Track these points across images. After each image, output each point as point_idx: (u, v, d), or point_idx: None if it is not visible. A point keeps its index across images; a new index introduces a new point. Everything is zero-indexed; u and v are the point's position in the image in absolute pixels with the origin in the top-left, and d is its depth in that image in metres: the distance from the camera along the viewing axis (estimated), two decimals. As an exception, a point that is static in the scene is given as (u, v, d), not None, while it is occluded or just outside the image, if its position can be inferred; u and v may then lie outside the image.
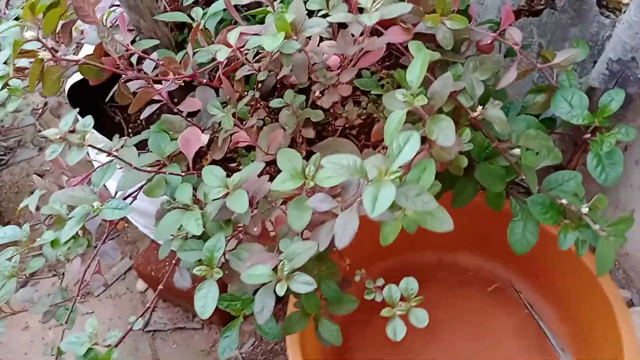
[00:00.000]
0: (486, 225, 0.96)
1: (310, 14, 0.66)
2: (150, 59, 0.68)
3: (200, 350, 1.12)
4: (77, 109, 0.57)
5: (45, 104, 1.02)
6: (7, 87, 0.78)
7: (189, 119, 0.79)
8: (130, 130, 0.97)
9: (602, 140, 0.75)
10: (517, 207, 0.83)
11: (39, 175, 1.47)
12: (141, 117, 0.72)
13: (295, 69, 0.64)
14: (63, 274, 0.94)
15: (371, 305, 0.71)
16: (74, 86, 0.94)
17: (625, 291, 1.09)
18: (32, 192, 1.41)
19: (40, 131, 1.52)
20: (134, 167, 0.61)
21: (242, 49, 0.66)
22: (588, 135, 0.78)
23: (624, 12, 0.78)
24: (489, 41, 0.73)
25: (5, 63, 0.62)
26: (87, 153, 0.92)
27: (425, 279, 1.11)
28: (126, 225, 1.32)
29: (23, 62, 0.72)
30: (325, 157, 0.53)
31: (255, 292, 0.72)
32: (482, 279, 1.11)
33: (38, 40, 0.54)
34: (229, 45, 0.64)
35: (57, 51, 0.59)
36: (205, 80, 0.75)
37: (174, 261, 0.71)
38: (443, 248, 1.13)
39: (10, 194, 1.43)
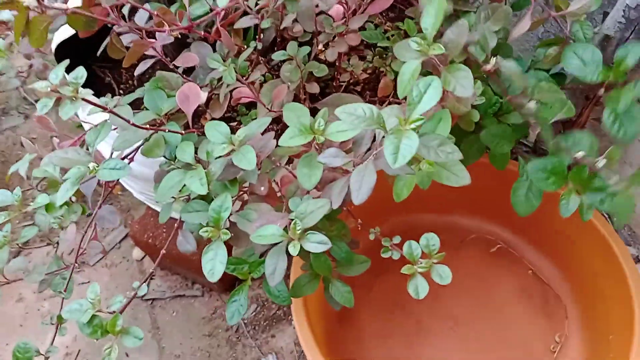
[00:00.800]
0: (487, 185, 0.93)
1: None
2: (144, 9, 0.63)
3: (200, 317, 1.10)
4: (67, 61, 0.53)
5: (30, 66, 0.97)
6: (-11, 44, 0.73)
7: (185, 76, 0.75)
8: (121, 91, 0.92)
9: (618, 97, 0.71)
10: (522, 166, 0.81)
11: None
12: (135, 73, 0.67)
13: (300, 17, 0.60)
14: (57, 242, 0.91)
15: (372, 268, 0.69)
16: (60, 46, 0.89)
17: (631, 248, 1.08)
18: (19, 161, 1.37)
19: (25, 98, 1.46)
20: (132, 124, 0.57)
21: (242, -3, 0.61)
22: (602, 92, 0.75)
23: None
24: (503, -14, 0.69)
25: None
26: (77, 115, 0.88)
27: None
28: (120, 192, 1.28)
29: (5, 14, 0.67)
30: (338, 107, 0.50)
31: (262, 255, 0.69)
32: (484, 241, 1.10)
33: (22, -15, 0.49)
34: (228, -8, 0.59)
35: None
36: (202, 33, 0.70)
37: (176, 224, 0.68)
38: (443, 209, 1.10)
39: (-3, 163, 1.38)
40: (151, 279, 1.16)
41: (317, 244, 0.54)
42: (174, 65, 0.71)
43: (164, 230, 1.06)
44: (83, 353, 1.07)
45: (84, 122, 0.82)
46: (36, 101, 1.48)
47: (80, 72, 0.51)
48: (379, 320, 1.02)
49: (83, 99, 0.48)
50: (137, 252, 1.20)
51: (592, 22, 0.99)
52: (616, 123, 0.72)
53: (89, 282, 1.17)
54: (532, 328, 1.01)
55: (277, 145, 0.61)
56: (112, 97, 0.76)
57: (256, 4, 0.67)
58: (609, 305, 0.93)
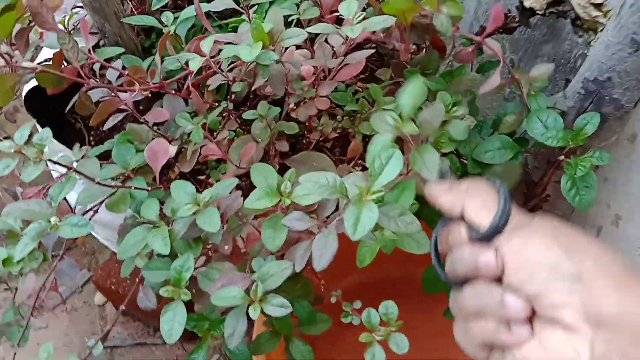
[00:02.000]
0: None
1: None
2: (114, 69, 0.64)
3: (161, 367, 1.08)
4: (34, 121, 0.53)
5: (0, 108, 0.96)
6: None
7: (156, 128, 0.75)
8: (92, 139, 0.92)
9: (576, 164, 0.74)
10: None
11: (-9, 182, 1.39)
12: (104, 127, 0.67)
13: (271, 81, 0.61)
14: (16, 288, 0.89)
15: (336, 322, 0.69)
16: (31, 91, 0.89)
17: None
18: (-17, 200, 1.34)
19: (-7, 135, 1.44)
20: (97, 182, 0.57)
21: (214, 59, 0.62)
22: (562, 158, 0.78)
23: (601, 30, 0.78)
24: (470, 50, 0.72)
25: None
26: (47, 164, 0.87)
27: (389, 292, 1.11)
28: (84, 238, 1.26)
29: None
30: (303, 174, 0.51)
31: (224, 312, 0.69)
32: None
33: (-8, 44, 0.50)
34: (201, 54, 0.60)
35: (12, 57, 0.55)
36: (173, 90, 0.71)
37: (137, 279, 0.67)
38: (409, 262, 1.11)
39: (-41, 201, 1.35)
40: (113, 326, 1.13)
41: (278, 307, 0.54)
42: (144, 118, 0.72)
43: (128, 277, 1.04)
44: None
45: (52, 169, 0.82)
46: (5, 138, 1.46)
47: (46, 134, 0.51)
48: None
49: (49, 160, 0.48)
50: (99, 297, 1.17)
51: (554, 88, 1.03)
52: (573, 190, 0.74)
53: (47, 326, 1.13)
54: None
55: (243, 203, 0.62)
56: (82, 145, 0.76)
57: (230, 64, 0.68)
58: None
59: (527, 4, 0.87)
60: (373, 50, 0.61)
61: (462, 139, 0.70)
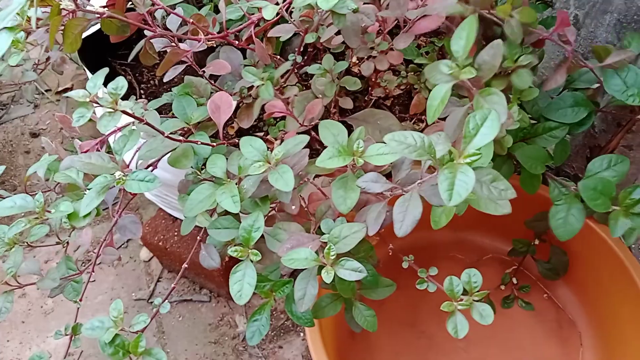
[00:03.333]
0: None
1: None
2: (178, 15, 0.61)
3: (207, 323, 1.08)
4: (106, 70, 0.51)
5: (47, 59, 0.94)
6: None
7: (212, 82, 0.73)
8: (142, 92, 0.90)
9: None
10: (556, 191, 0.79)
11: (34, 134, 1.39)
12: (164, 79, 0.65)
13: (345, 32, 0.57)
14: (67, 242, 0.88)
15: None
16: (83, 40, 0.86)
17: (650, 277, 1.06)
18: (27, 152, 1.34)
19: (36, 88, 1.43)
20: (166, 136, 0.54)
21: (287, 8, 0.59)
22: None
23: None
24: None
25: (18, 13, 0.54)
26: (94, 112, 0.86)
27: (442, 256, 1.08)
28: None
29: (32, 12, 0.64)
30: (368, 130, 0.48)
31: (286, 274, 0.67)
32: (500, 261, 1.08)
33: (59, -14, 0.47)
34: (272, 1, 0.57)
35: (77, 1, 0.52)
36: (233, 41, 0.68)
37: (199, 237, 0.66)
38: (460, 227, 1.08)
39: (4, 152, 1.35)
40: (158, 281, 1.14)
41: (352, 271, 0.52)
42: (202, 71, 0.69)
43: (176, 233, 1.04)
44: (85, 355, 1.05)
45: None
46: (47, 91, 1.46)
47: (121, 83, 0.48)
48: (391, 337, 1.00)
49: (122, 112, 0.46)
50: (145, 253, 1.17)
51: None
52: None
53: (94, 280, 1.14)
54: (545, 353, 0.99)
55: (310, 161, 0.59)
56: (136, 99, 0.73)
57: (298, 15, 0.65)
58: (626, 333, 0.91)
59: None
60: (455, 0, 0.57)
61: (525, 87, 0.66)
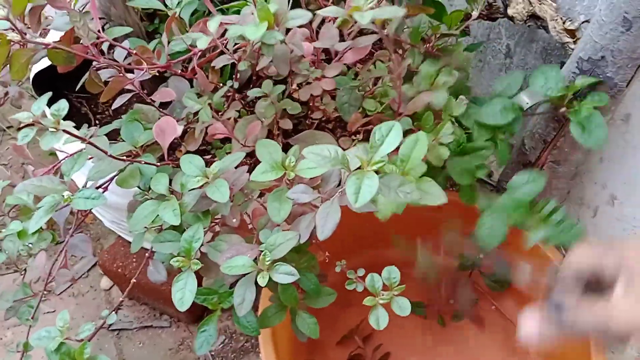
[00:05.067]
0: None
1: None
2: (122, 47, 0.66)
3: (167, 349, 1.10)
4: (50, 94, 0.55)
5: (6, 94, 0.98)
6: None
7: (162, 109, 0.77)
8: (97, 122, 0.94)
9: (580, 108, 0.76)
10: (485, 202, 0.85)
11: (-5, 169, 1.41)
12: (112, 107, 0.69)
13: (276, 60, 0.63)
14: (25, 269, 0.90)
15: (340, 300, 0.71)
16: (38, 75, 0.90)
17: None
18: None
19: (-3, 123, 1.46)
20: (110, 155, 0.59)
21: (220, 39, 0.64)
22: (564, 109, 0.79)
23: (574, 41, 0.81)
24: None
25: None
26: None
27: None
28: (90, 222, 1.27)
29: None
30: (306, 148, 0.53)
31: (232, 285, 0.71)
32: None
33: (7, 19, 0.51)
34: (208, 34, 0.62)
35: (25, 34, 0.57)
36: (179, 71, 0.73)
37: (147, 254, 0.69)
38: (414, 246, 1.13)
39: (-35, 188, 1.36)
40: (119, 309, 1.15)
41: (285, 274, 0.56)
42: (150, 99, 0.74)
43: (134, 260, 1.06)
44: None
45: (59, 150, 0.83)
46: (8, 127, 1.48)
47: (62, 105, 0.53)
48: (347, 350, 1.03)
49: (64, 131, 0.50)
50: (105, 282, 1.19)
51: (550, 71, 1.05)
52: (584, 132, 0.76)
53: (54, 311, 1.15)
54: (496, 362, 1.03)
55: (249, 179, 0.64)
56: (89, 127, 0.78)
57: (234, 45, 0.70)
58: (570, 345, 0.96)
59: (510, 12, 0.90)
60: (378, 36, 0.63)
61: (441, 105, 0.72)
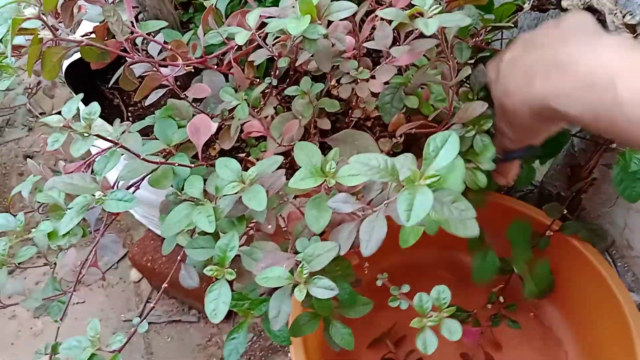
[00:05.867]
0: (493, 222, 0.94)
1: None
2: (157, 42, 0.63)
3: (196, 344, 1.09)
4: (81, 95, 0.52)
5: (39, 83, 0.96)
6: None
7: (195, 105, 0.74)
8: (129, 114, 0.92)
9: (630, 157, 0.71)
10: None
11: (28, 156, 1.41)
12: (146, 104, 0.67)
13: (317, 56, 0.59)
14: (54, 263, 0.89)
15: (376, 310, 0.68)
16: (70, 65, 0.88)
17: (635, 295, 1.07)
18: (20, 174, 1.36)
19: (30, 111, 1.46)
20: (142, 158, 0.56)
21: (258, 33, 0.61)
22: (614, 145, 0.75)
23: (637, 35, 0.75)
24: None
25: (0, 41, 0.56)
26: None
27: (429, 276, 1.09)
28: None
29: (19, 39, 0.67)
30: (345, 151, 0.49)
31: (263, 293, 0.68)
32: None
33: (39, 18, 0.48)
34: (246, 28, 0.59)
35: (57, 30, 0.54)
36: (214, 66, 0.70)
37: (179, 257, 0.67)
38: (445, 245, 1.09)
39: (-2, 175, 1.37)
40: (147, 301, 1.14)
41: (324, 289, 0.53)
42: (184, 94, 0.71)
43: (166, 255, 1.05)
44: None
45: (92, 144, 0.81)
46: (41, 114, 1.48)
47: (94, 108, 0.50)
48: (379, 354, 1.00)
49: (96, 135, 0.47)
50: (135, 274, 1.18)
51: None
52: (623, 183, 0.71)
53: (84, 302, 1.15)
54: (533, 372, 0.99)
55: (286, 183, 0.61)
56: (121, 120, 0.75)
57: (274, 39, 0.67)
58: (611, 353, 0.91)
59: (564, 4, 0.84)
60: (437, 41, 0.58)
61: None
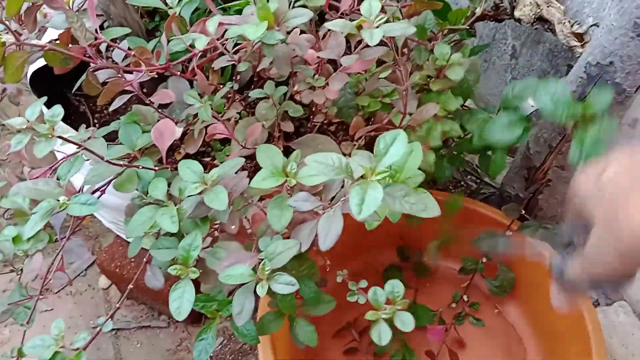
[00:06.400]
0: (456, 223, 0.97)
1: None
2: (120, 49, 0.64)
3: (165, 349, 1.09)
4: (45, 98, 0.54)
5: (4, 90, 0.96)
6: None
7: (161, 110, 0.76)
8: (96, 121, 0.92)
9: (585, 135, 0.73)
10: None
11: (-6, 165, 1.39)
12: (110, 109, 0.68)
13: (277, 61, 0.61)
14: (21, 269, 0.89)
15: (340, 304, 0.70)
16: (36, 72, 0.89)
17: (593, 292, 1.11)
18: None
19: (-4, 119, 1.44)
20: (106, 161, 0.57)
21: (220, 39, 0.63)
22: (570, 128, 0.77)
23: (582, 45, 0.79)
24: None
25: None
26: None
27: (395, 277, 1.11)
28: (89, 220, 1.26)
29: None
30: (308, 155, 0.51)
31: (230, 293, 0.70)
32: (453, 277, 1.11)
33: (1, 22, 0.50)
34: (207, 35, 0.61)
35: (20, 35, 0.55)
36: (178, 72, 0.71)
37: (144, 259, 0.68)
38: (411, 247, 1.12)
39: (-37, 184, 1.35)
40: (114, 315, 1.14)
41: (285, 285, 0.55)
42: (149, 100, 0.72)
43: (132, 260, 1.05)
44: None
45: (57, 150, 0.82)
46: (6, 123, 1.47)
47: (57, 111, 0.51)
48: (343, 343, 1.02)
49: (59, 137, 0.48)
50: (104, 281, 1.18)
51: (557, 73, 1.04)
52: (582, 159, 0.74)
53: (52, 309, 1.14)
54: (495, 367, 1.02)
55: (249, 184, 0.62)
56: (87, 127, 0.76)
57: (235, 46, 0.69)
58: (569, 351, 0.95)
59: (517, 14, 0.88)
60: (387, 48, 0.61)
61: (459, 79, 0.71)
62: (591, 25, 0.78)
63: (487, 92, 1.25)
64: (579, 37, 0.81)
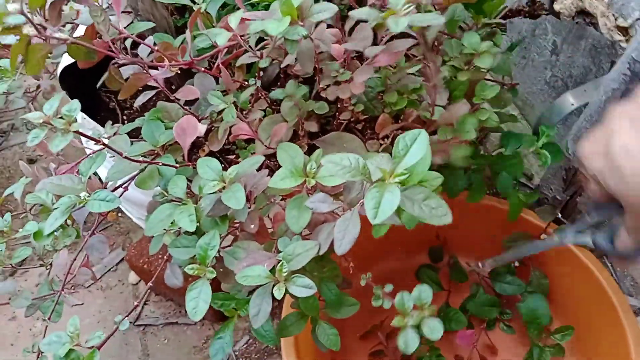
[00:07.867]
0: (486, 226, 0.94)
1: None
2: (145, 44, 0.64)
3: (192, 346, 1.09)
4: (64, 92, 0.53)
5: (38, 87, 0.98)
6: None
7: (187, 107, 0.75)
8: (124, 117, 0.93)
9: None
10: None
11: (31, 160, 1.43)
12: (135, 104, 0.68)
13: (300, 57, 0.60)
14: (51, 264, 0.91)
15: (366, 307, 0.68)
16: (66, 69, 0.90)
17: (633, 299, 1.05)
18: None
19: (34, 115, 1.48)
20: (125, 157, 0.57)
21: (243, 36, 0.62)
22: None
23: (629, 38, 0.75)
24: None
25: (-9, 42, 0.57)
26: (80, 140, 0.89)
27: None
28: (119, 215, 1.28)
29: (10, 39, 0.68)
30: (326, 154, 0.49)
31: (250, 292, 0.69)
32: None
33: (22, 13, 0.49)
34: (229, 30, 0.60)
35: (45, 28, 0.55)
36: (203, 68, 0.71)
37: (165, 257, 0.68)
38: (447, 247, 1.09)
39: (2, 178, 1.39)
40: (145, 304, 1.15)
41: (303, 287, 0.53)
42: (175, 96, 0.72)
43: (160, 255, 1.05)
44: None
45: (86, 147, 0.83)
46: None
47: (74, 105, 0.51)
48: (369, 345, 1.00)
49: (76, 132, 0.48)
50: (133, 276, 1.19)
51: (599, 70, 0.99)
52: None
53: (82, 303, 1.16)
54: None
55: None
56: (115, 123, 0.76)
57: (259, 41, 0.67)
58: (605, 353, 0.90)
59: (556, 7, 0.84)
60: (415, 41, 0.59)
61: (488, 66, 0.68)
62: (637, 19, 0.73)
63: (525, 89, 1.20)
64: (624, 31, 0.76)
